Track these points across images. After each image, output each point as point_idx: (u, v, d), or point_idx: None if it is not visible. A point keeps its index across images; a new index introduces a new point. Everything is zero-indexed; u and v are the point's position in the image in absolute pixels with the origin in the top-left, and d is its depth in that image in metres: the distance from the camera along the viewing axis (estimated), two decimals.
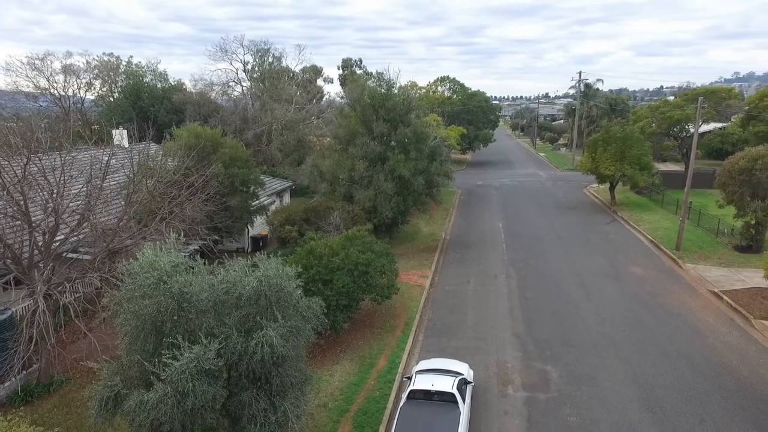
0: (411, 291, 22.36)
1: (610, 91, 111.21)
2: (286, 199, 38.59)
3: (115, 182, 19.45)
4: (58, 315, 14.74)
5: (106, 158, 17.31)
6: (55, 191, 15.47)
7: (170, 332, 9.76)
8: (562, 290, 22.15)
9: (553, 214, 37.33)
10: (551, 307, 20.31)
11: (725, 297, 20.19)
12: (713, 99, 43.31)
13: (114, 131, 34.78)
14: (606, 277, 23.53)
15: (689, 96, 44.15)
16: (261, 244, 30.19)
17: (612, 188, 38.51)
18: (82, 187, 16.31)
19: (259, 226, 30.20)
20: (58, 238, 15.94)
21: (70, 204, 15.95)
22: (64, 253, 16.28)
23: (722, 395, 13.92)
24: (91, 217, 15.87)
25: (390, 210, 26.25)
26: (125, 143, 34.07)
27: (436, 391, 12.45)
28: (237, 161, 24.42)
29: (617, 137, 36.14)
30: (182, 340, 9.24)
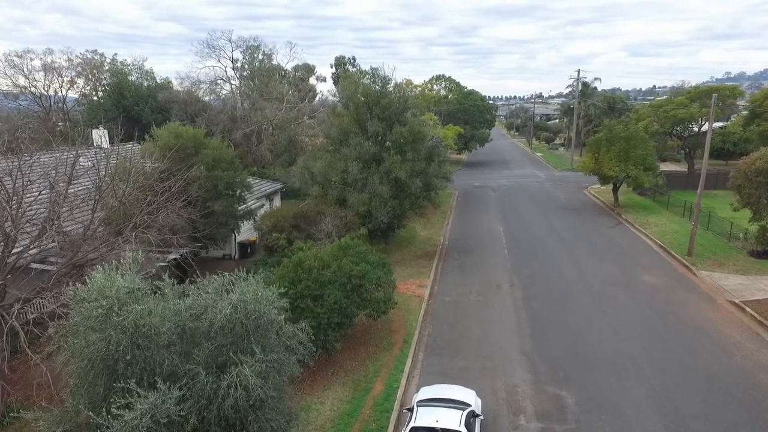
0: (409, 302, 20.77)
1: (603, 90, 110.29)
2: (277, 201, 36.88)
3: (83, 187, 17.71)
4: (11, 339, 13.02)
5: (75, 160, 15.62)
6: (13, 198, 13.76)
7: (124, 373, 8.11)
8: (570, 300, 20.65)
9: (555, 216, 35.88)
10: (561, 320, 18.78)
11: (748, 308, 18.75)
12: (718, 97, 41.98)
13: (94, 131, 33.00)
14: (616, 286, 22.05)
15: (693, 94, 42.87)
16: (249, 250, 28.50)
17: (615, 190, 37.13)
18: (39, 194, 14.56)
19: (246, 232, 28.51)
20: (15, 250, 14.22)
21: (27, 211, 14.19)
22: (21, 267, 14.54)
23: (764, 428, 12.42)
24: (50, 227, 14.13)
25: (385, 214, 24.62)
26: (105, 144, 32.34)
27: (441, 429, 10.86)
28: (221, 163, 22.69)
29: (621, 137, 34.74)
30: (136, 385, 7.57)
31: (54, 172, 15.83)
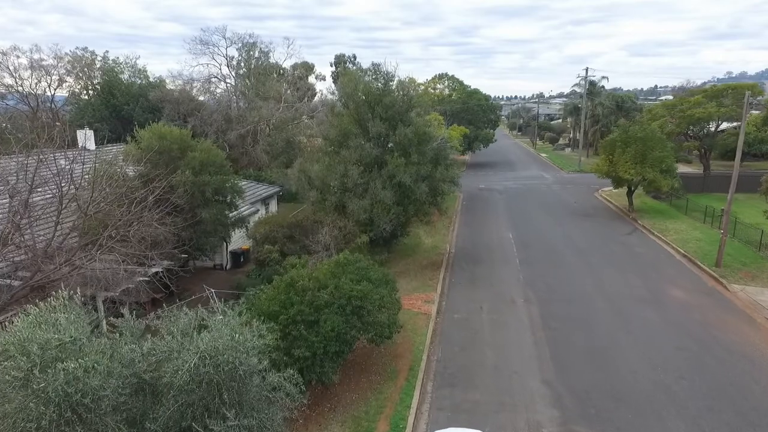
0: (415, 320, 18.86)
1: (606, 89, 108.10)
2: (273, 206, 34.98)
3: (50, 195, 15.80)
4: None
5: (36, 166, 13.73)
6: None
7: None
8: (593, 319, 18.72)
9: (567, 221, 33.94)
10: (584, 343, 16.85)
11: None
12: (735, 95, 40.10)
13: (79, 132, 31.16)
14: (642, 302, 20.11)
15: (709, 93, 40.95)
16: (242, 259, 26.65)
17: (630, 193, 35.17)
18: None
19: (239, 240, 26.63)
20: None
21: None
22: None
23: None
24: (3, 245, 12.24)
25: (388, 222, 22.71)
26: (91, 145, 30.52)
27: None
28: (209, 167, 20.79)
29: (637, 138, 32.79)
30: None
31: (14, 178, 14.00)
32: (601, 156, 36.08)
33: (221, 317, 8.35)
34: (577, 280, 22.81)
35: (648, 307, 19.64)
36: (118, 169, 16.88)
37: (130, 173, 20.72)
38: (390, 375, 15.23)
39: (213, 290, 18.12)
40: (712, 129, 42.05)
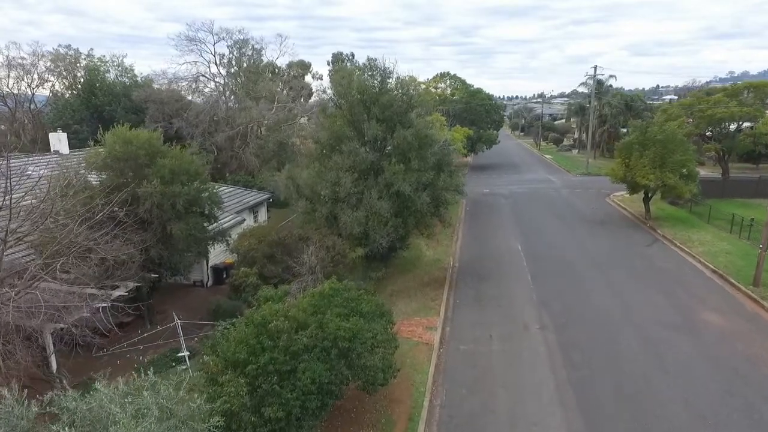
0: (415, 353, 16.38)
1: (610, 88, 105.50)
2: (263, 215, 32.55)
3: None
4: None
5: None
6: None
7: None
8: (621, 352, 16.19)
9: (580, 230, 31.44)
10: (615, 385, 14.32)
11: None
12: (757, 94, 37.62)
13: (51, 135, 28.79)
14: (675, 330, 17.59)
15: (730, 91, 38.44)
16: (225, 275, 24.18)
17: (647, 199, 32.65)
18: None
19: (221, 254, 24.21)
20: None
21: None
22: None
23: None
24: None
25: (385, 237, 20.24)
26: (65, 149, 28.12)
27: None
28: (181, 175, 18.33)
29: (656, 140, 30.27)
30: None
31: None
32: (616, 159, 33.55)
33: (142, 397, 5.90)
34: (596, 301, 20.31)
35: (682, 336, 17.11)
36: (71, 179, 14.40)
37: (93, 183, 18.36)
38: (385, 427, 12.75)
39: (180, 320, 15.70)
40: (732, 129, 39.52)
